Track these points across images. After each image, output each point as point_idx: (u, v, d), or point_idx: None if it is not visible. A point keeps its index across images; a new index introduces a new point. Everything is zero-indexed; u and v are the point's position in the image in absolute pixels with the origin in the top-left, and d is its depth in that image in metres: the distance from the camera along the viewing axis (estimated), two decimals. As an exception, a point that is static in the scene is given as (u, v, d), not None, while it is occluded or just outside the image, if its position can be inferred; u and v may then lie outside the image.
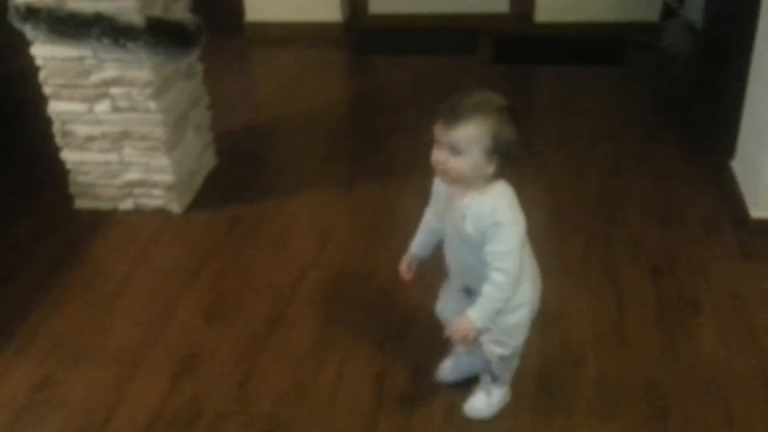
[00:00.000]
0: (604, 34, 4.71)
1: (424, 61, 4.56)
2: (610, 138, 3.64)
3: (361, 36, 4.99)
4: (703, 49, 4.38)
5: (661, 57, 4.45)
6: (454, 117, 1.78)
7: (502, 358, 2.05)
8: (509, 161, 1.83)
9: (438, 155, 1.83)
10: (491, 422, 2.17)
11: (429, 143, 1.86)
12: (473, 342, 1.91)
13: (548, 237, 2.86)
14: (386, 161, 3.50)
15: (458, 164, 1.80)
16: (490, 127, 1.78)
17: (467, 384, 2.27)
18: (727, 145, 3.20)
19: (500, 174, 1.85)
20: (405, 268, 2.11)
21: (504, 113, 1.81)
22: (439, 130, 1.81)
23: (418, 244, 2.10)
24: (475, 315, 1.86)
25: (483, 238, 1.84)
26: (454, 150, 1.79)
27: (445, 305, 2.14)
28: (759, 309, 2.53)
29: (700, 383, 2.26)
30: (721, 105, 3.58)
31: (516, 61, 4.55)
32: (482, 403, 2.18)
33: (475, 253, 1.88)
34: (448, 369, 2.29)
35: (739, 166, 3.13)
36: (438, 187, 1.97)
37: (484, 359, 2.10)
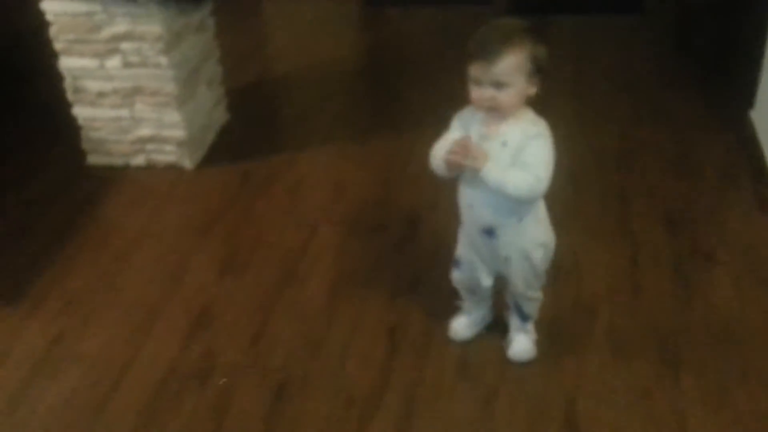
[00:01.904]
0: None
1: (437, 12, 4.51)
2: (627, 88, 3.61)
3: (374, -14, 4.94)
4: (724, -4, 4.31)
5: (682, 4, 4.38)
6: (490, 54, 1.77)
7: (533, 296, 2.14)
8: (546, 77, 1.86)
9: (483, 93, 1.82)
10: (503, 372, 2.18)
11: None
12: (460, 166, 1.88)
13: (563, 191, 2.81)
14: (399, 115, 3.48)
15: (508, 96, 1.81)
16: (527, 51, 1.80)
17: (477, 337, 2.30)
18: (747, 95, 3.16)
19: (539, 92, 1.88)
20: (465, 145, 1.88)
21: (532, 34, 1.83)
22: (477, 70, 1.80)
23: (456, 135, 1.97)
24: (493, 167, 1.83)
25: (520, 154, 1.85)
26: (499, 84, 1.80)
27: (465, 252, 2.13)
28: (776, 261, 2.52)
29: (713, 334, 2.26)
30: (742, 54, 3.52)
31: (532, 10, 4.47)
32: (527, 343, 2.21)
33: None
34: (462, 326, 2.30)
35: (758, 115, 3.09)
36: (470, 121, 1.94)
37: (514, 304, 2.16)
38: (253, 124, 3.56)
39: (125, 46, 3.00)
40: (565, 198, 2.79)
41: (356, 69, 4.13)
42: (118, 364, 2.30)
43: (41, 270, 2.70)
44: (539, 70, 1.83)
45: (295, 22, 4.59)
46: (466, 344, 2.28)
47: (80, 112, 3.19)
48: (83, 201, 3.07)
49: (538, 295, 2.15)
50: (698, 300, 2.39)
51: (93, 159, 3.28)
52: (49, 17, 2.99)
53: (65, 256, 2.77)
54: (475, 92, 1.83)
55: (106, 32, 2.98)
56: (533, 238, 2.00)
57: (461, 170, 1.91)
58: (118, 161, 3.26)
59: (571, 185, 2.90)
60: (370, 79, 4.06)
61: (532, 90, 1.86)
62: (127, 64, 3.04)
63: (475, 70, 1.80)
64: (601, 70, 3.80)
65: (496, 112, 1.86)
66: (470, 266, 2.14)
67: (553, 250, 2.07)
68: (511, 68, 1.78)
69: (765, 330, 2.27)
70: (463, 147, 1.84)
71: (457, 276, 2.20)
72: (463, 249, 2.14)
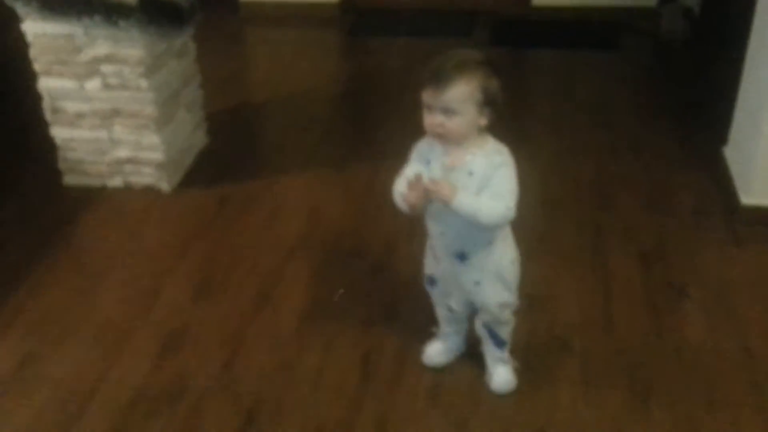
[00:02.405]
0: (601, 18, 4.71)
1: (419, 43, 4.55)
2: (603, 123, 3.65)
3: (356, 17, 4.98)
4: (699, 35, 4.38)
5: (657, 42, 4.45)
6: (441, 80, 1.80)
7: (506, 319, 2.13)
8: (497, 110, 1.87)
9: (433, 120, 1.84)
10: (474, 401, 2.18)
11: (421, 126, 1.87)
12: (423, 204, 1.90)
13: (539, 221, 2.87)
14: (377, 143, 3.50)
15: (456, 124, 1.83)
16: (478, 82, 1.81)
17: (449, 365, 2.30)
18: (720, 132, 3.20)
19: (490, 124, 1.89)
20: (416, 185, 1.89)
21: (486, 66, 1.85)
22: (428, 96, 1.83)
23: (411, 174, 1.95)
24: (462, 195, 1.84)
25: (487, 183, 1.87)
26: (449, 111, 1.82)
27: (438, 274, 2.13)
28: (746, 296, 2.54)
29: (684, 367, 2.27)
30: (716, 91, 3.57)
31: (512, 44, 4.54)
32: (507, 374, 2.21)
33: None
34: (436, 352, 2.30)
35: (731, 152, 3.13)
36: (429, 154, 1.95)
37: (489, 333, 2.15)
38: (232, 148, 3.56)
39: (106, 68, 3.00)
40: (541, 229, 2.82)
41: (336, 97, 4.16)
42: (87, 386, 2.28)
43: (12, 290, 2.68)
44: (490, 103, 1.84)
45: (278, 50, 4.62)
46: (439, 372, 2.28)
47: (58, 132, 3.18)
48: (58, 221, 3.05)
49: (510, 317, 2.15)
50: (669, 332, 2.41)
51: (69, 179, 3.27)
52: (29, 38, 2.99)
53: (37, 275, 2.75)
54: (427, 118, 1.86)
55: (87, 54, 2.99)
56: (504, 256, 2.02)
57: (422, 209, 1.92)
58: (95, 182, 3.25)
59: (546, 216, 2.92)
60: (349, 108, 4.08)
61: (483, 121, 1.86)
62: (107, 86, 3.04)
63: (426, 96, 1.83)
64: (578, 104, 3.84)
65: (444, 139, 1.88)
66: (442, 286, 2.15)
67: (519, 263, 2.07)
68: (460, 96, 1.81)
69: (733, 362, 2.29)
70: (418, 186, 1.85)
71: (435, 292, 2.21)
72: (432, 269, 2.15)
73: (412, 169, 1.96)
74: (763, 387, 2.21)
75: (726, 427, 2.09)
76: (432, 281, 2.18)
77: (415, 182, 1.86)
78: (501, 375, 2.21)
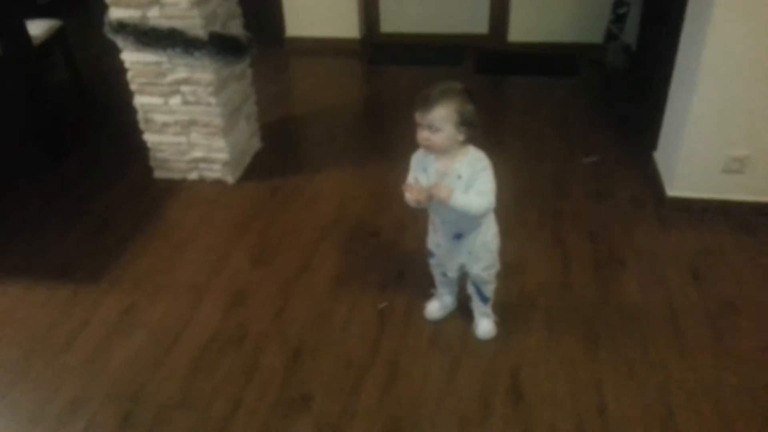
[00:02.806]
0: (561, 51, 4.65)
1: (421, 70, 4.52)
2: (562, 132, 3.62)
3: (373, 50, 4.94)
4: (635, 66, 4.33)
5: (604, 71, 4.40)
6: (427, 104, 1.81)
7: (490, 278, 2.12)
8: (473, 129, 1.86)
9: (422, 134, 1.86)
10: (464, 344, 2.19)
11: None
12: (427, 202, 1.90)
13: (511, 208, 2.85)
14: (390, 146, 3.49)
15: (438, 138, 1.84)
16: (455, 106, 1.81)
17: (445, 317, 2.30)
18: (651, 140, 3.18)
19: (469, 139, 1.88)
20: (413, 188, 1.90)
21: (464, 94, 1.84)
22: (419, 116, 1.84)
23: (411, 178, 1.98)
24: (458, 195, 1.86)
25: (473, 183, 1.87)
26: (432, 128, 1.82)
27: (440, 248, 2.13)
28: (671, 266, 2.54)
29: (623, 321, 2.28)
30: (648, 109, 3.54)
31: (493, 71, 4.50)
32: (489, 325, 2.21)
33: None
34: (434, 309, 2.31)
35: (659, 155, 3.11)
36: (424, 162, 1.95)
37: (476, 290, 2.15)
38: (280, 150, 3.55)
39: (184, 88, 3.00)
40: (514, 213, 2.81)
41: (359, 111, 4.13)
42: (174, 330, 2.31)
43: (117, 257, 2.70)
44: (465, 123, 1.83)
45: (314, 75, 4.59)
46: (437, 323, 2.29)
47: (149, 137, 3.18)
48: (150, 205, 3.07)
49: (493, 278, 2.15)
50: (612, 293, 2.41)
51: (158, 174, 3.28)
52: (126, 64, 2.99)
53: (135, 246, 2.77)
54: (418, 133, 1.87)
55: (170, 78, 2.98)
56: (488, 231, 2.03)
57: (426, 205, 1.93)
58: (177, 176, 3.26)
59: (517, 204, 2.91)
60: (368, 120, 4.06)
61: (461, 137, 1.85)
62: (185, 102, 3.04)
63: (417, 115, 1.84)
64: (543, 118, 3.81)
65: (431, 150, 1.88)
66: (440, 258, 2.15)
67: (499, 236, 2.07)
68: (441, 117, 1.81)
69: (661, 316, 2.29)
70: (417, 189, 1.87)
71: (433, 262, 2.21)
72: (433, 245, 2.15)
73: (412, 176, 1.98)
74: (683, 334, 2.21)
75: (655, 365, 2.10)
76: (431, 254, 2.18)
77: (412, 186, 1.88)
78: (484, 326, 2.22)
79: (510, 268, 2.43)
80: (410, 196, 1.89)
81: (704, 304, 2.34)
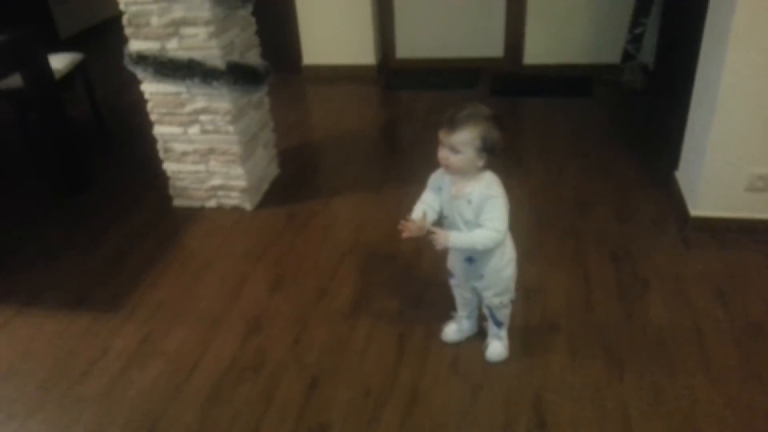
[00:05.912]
0: (576, 73, 4.65)
1: (437, 94, 4.54)
2: (580, 153, 3.59)
3: (390, 75, 4.97)
4: (654, 85, 4.29)
5: (622, 91, 4.37)
6: (452, 125, 1.79)
7: (502, 304, 2.08)
8: (495, 156, 1.84)
9: (442, 153, 1.84)
10: (485, 370, 2.15)
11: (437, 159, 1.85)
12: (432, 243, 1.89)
13: (531, 230, 2.83)
14: (407, 170, 3.48)
15: (457, 160, 1.82)
16: (479, 132, 1.79)
17: (466, 343, 2.26)
18: (673, 159, 3.14)
19: (488, 165, 1.86)
20: (412, 225, 1.89)
21: (491, 121, 1.82)
22: (442, 135, 1.82)
23: (419, 210, 1.96)
24: (454, 236, 1.87)
25: (480, 211, 1.85)
26: (453, 149, 1.81)
27: (455, 269, 2.12)
28: (694, 287, 2.48)
29: (648, 343, 2.22)
30: (668, 128, 3.50)
31: (508, 94, 4.50)
32: (499, 347, 2.17)
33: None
34: (452, 331, 2.27)
35: (681, 175, 3.06)
36: (441, 182, 1.94)
37: (490, 313, 2.11)
38: (297, 176, 3.56)
39: (203, 117, 3.03)
40: (533, 236, 2.78)
41: (376, 136, 4.14)
42: (192, 358, 2.29)
43: (135, 285, 2.70)
44: (487, 149, 1.81)
45: (331, 101, 4.62)
46: (457, 348, 2.25)
47: (168, 166, 3.20)
48: (169, 233, 3.08)
49: (507, 304, 2.11)
50: (636, 315, 2.35)
51: (177, 202, 3.29)
52: (146, 96, 3.03)
53: (154, 274, 2.77)
54: (440, 151, 1.85)
55: (189, 107, 3.01)
56: (502, 258, 1.98)
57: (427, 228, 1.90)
58: (196, 203, 3.27)
59: (538, 225, 2.88)
60: (385, 145, 4.07)
61: (480, 162, 1.83)
62: (204, 131, 3.06)
63: (441, 134, 1.82)
64: (561, 139, 3.79)
65: (449, 170, 1.86)
66: (458, 278, 2.13)
67: (516, 263, 2.03)
68: (463, 140, 1.79)
69: (687, 339, 2.23)
70: (417, 227, 1.87)
71: (453, 282, 2.18)
72: (451, 265, 2.13)
73: (428, 195, 1.97)
74: (710, 357, 2.14)
75: (682, 389, 2.03)
76: (451, 274, 2.16)
77: (410, 227, 1.87)
78: (495, 347, 2.18)
79: (531, 290, 2.40)
80: (407, 234, 1.88)
81: (731, 326, 2.27)
